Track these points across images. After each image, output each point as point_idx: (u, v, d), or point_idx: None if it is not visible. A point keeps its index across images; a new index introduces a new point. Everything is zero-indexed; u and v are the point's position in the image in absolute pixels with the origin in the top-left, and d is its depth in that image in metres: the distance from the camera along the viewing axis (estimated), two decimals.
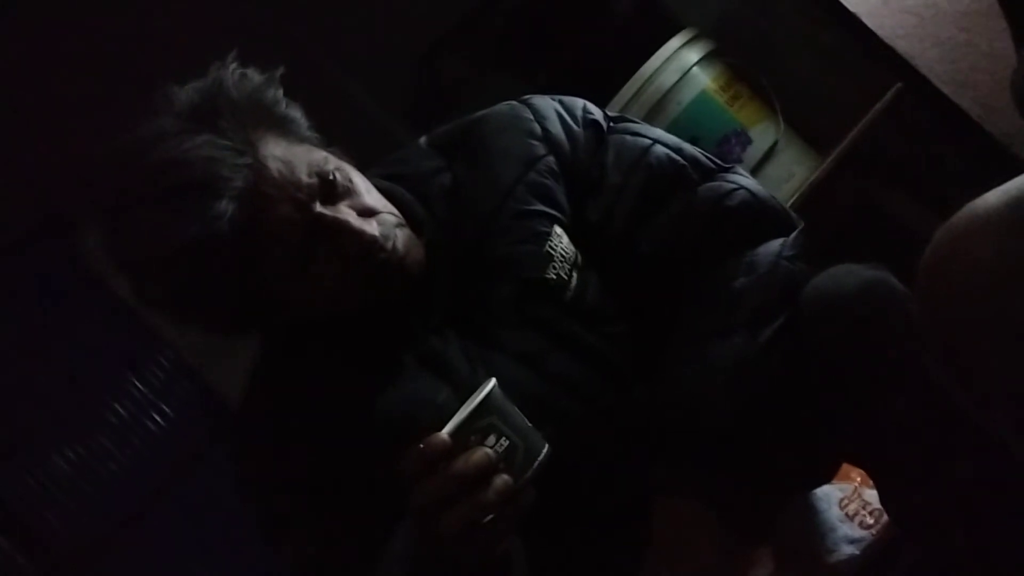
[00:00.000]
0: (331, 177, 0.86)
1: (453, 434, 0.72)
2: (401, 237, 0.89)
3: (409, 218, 0.93)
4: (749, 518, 0.96)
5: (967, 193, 0.64)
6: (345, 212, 0.86)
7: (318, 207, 0.85)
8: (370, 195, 0.90)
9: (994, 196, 0.61)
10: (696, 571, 0.90)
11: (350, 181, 0.89)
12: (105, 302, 1.95)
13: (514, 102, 1.02)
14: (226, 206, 0.79)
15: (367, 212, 0.88)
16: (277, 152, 0.85)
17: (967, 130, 1.32)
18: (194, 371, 2.02)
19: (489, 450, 0.72)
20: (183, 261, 0.81)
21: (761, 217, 0.97)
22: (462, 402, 0.74)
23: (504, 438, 0.72)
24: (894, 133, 1.41)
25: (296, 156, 0.86)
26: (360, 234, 0.86)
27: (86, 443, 2.04)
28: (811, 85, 1.55)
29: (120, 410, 2.05)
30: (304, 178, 0.85)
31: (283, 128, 0.88)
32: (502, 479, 0.71)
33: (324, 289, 0.87)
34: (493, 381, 0.75)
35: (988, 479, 0.79)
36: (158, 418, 2.06)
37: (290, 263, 0.84)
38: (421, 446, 0.71)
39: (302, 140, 0.89)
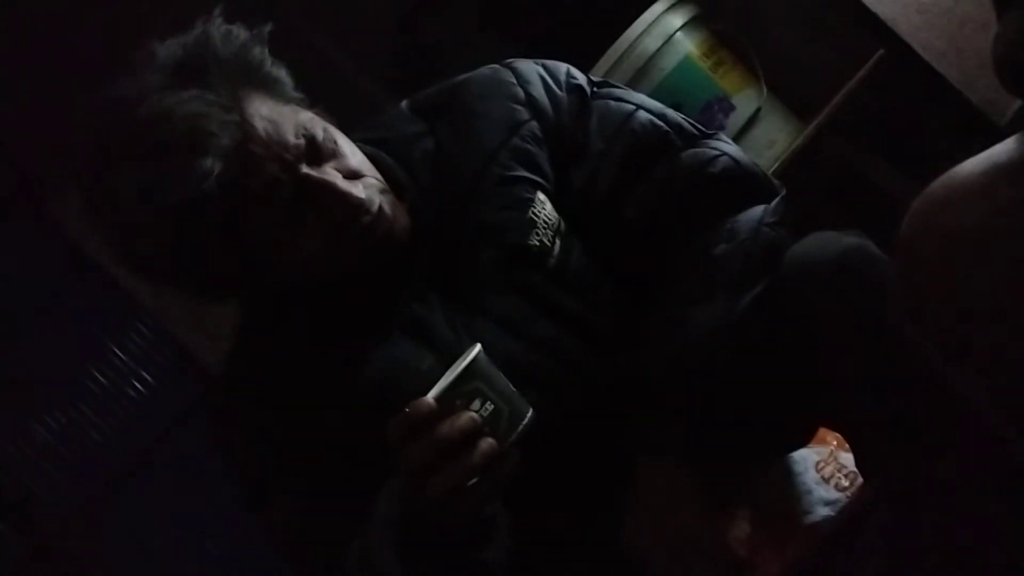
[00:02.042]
0: (318, 138, 0.85)
1: (438, 399, 0.72)
2: (386, 202, 0.89)
3: (392, 183, 0.92)
4: (728, 480, 0.97)
5: (947, 160, 0.64)
6: (331, 174, 0.86)
7: (304, 168, 0.84)
8: (355, 158, 0.89)
9: (973, 164, 0.62)
10: (677, 532, 0.91)
11: (335, 143, 0.88)
12: (84, 270, 1.93)
13: (497, 66, 1.01)
14: (212, 164, 0.78)
15: (352, 175, 0.87)
16: (264, 111, 0.83)
17: (948, 98, 1.32)
18: (174, 338, 2.01)
19: (474, 414, 0.72)
20: (167, 222, 0.79)
21: (743, 184, 0.97)
22: (446, 368, 0.75)
23: (489, 402, 0.73)
24: (876, 100, 1.42)
25: (283, 116, 0.84)
26: (347, 196, 0.85)
27: (67, 412, 2.03)
28: (794, 52, 1.54)
29: (101, 378, 2.04)
30: (291, 138, 0.83)
31: (269, 88, 0.86)
32: (487, 443, 0.72)
33: (309, 253, 0.86)
34: (478, 347, 0.75)
35: (961, 442, 0.81)
36: (139, 385, 2.05)
37: (276, 225, 0.84)
38: (407, 411, 0.71)
39: (288, 100, 0.88)
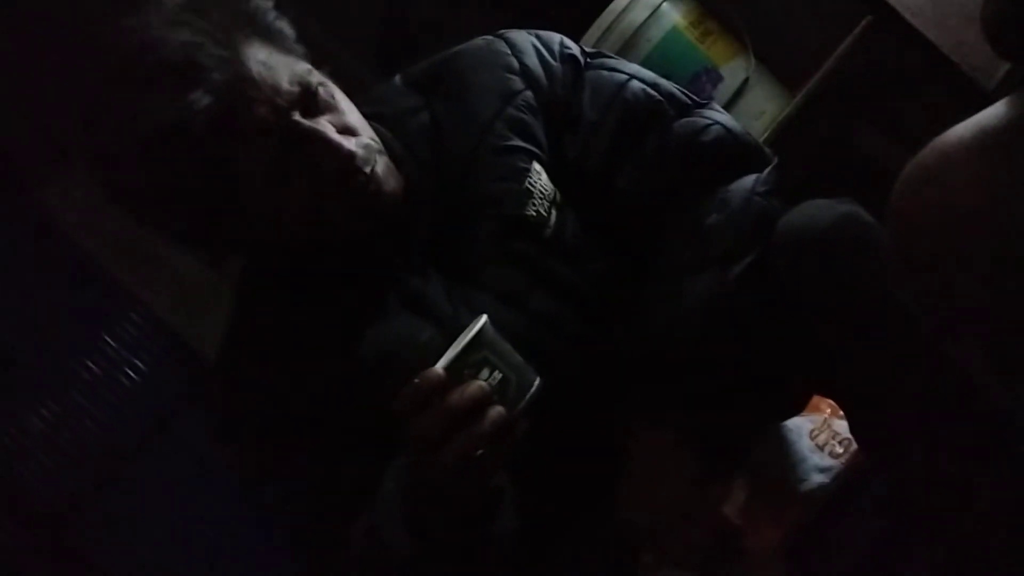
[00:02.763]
0: (313, 89, 0.84)
1: (447, 369, 0.72)
2: (381, 163, 0.88)
3: (390, 157, 0.91)
4: (723, 449, 0.98)
5: (937, 127, 0.64)
6: (324, 125, 0.84)
7: (296, 116, 0.83)
8: (352, 115, 0.88)
9: (963, 128, 0.61)
10: (671, 501, 0.92)
11: (332, 97, 0.87)
12: (75, 259, 1.92)
13: (490, 36, 1.01)
14: (201, 97, 0.77)
15: (347, 131, 0.86)
16: (260, 56, 0.82)
17: (937, 63, 1.32)
18: (166, 326, 2.01)
19: (483, 383, 0.72)
20: (151, 152, 0.79)
21: (735, 152, 0.97)
22: (446, 341, 0.75)
23: (497, 371, 0.73)
24: (864, 67, 1.41)
25: (279, 63, 0.84)
26: (337, 148, 0.84)
27: (61, 401, 2.03)
28: (781, 20, 1.54)
29: (93, 367, 2.03)
30: (285, 85, 0.83)
31: (269, 36, 0.85)
32: (497, 411, 0.72)
33: (295, 207, 0.85)
34: (485, 317, 0.75)
35: (956, 408, 0.81)
36: (132, 374, 2.05)
37: (262, 171, 0.82)
38: (416, 381, 0.71)
39: (287, 52, 0.87)
